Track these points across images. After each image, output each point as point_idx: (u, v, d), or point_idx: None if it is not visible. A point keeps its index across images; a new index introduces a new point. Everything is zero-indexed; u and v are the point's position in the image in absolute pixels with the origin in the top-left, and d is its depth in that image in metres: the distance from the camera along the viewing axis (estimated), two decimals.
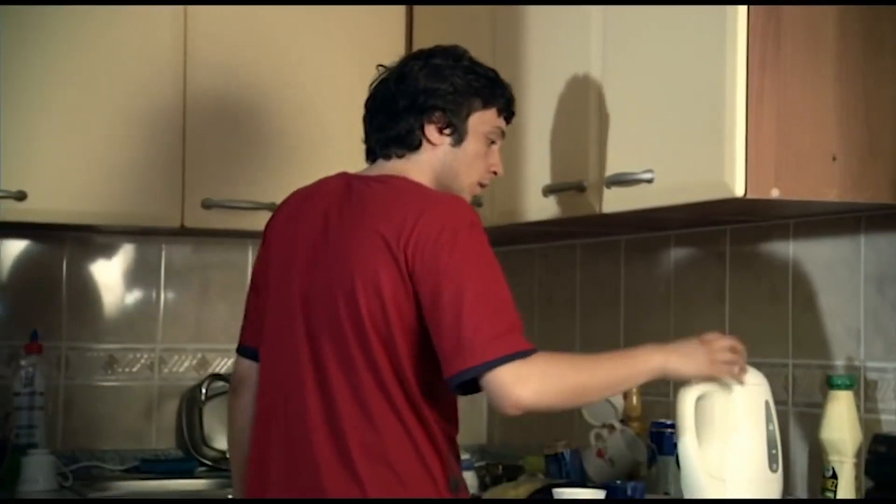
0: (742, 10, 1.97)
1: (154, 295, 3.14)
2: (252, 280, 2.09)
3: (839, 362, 2.26)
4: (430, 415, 1.87)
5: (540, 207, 2.48)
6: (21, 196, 2.72)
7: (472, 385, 1.81)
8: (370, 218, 1.89)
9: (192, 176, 2.87)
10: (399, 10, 3.02)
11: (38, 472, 2.76)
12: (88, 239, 3.09)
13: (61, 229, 3.02)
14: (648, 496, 2.35)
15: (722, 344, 1.96)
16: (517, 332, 1.80)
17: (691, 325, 2.62)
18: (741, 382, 1.98)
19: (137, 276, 3.12)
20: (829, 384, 2.12)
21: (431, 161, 1.98)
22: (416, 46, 2.98)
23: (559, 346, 3.02)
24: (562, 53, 2.43)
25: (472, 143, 1.99)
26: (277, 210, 2.08)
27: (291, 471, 1.90)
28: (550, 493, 2.24)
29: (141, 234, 3.09)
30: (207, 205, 2.87)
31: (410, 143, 1.97)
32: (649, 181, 2.16)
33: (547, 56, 2.48)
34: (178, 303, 3.14)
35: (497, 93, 2.02)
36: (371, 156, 2.02)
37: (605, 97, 2.31)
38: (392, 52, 2.95)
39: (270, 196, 2.89)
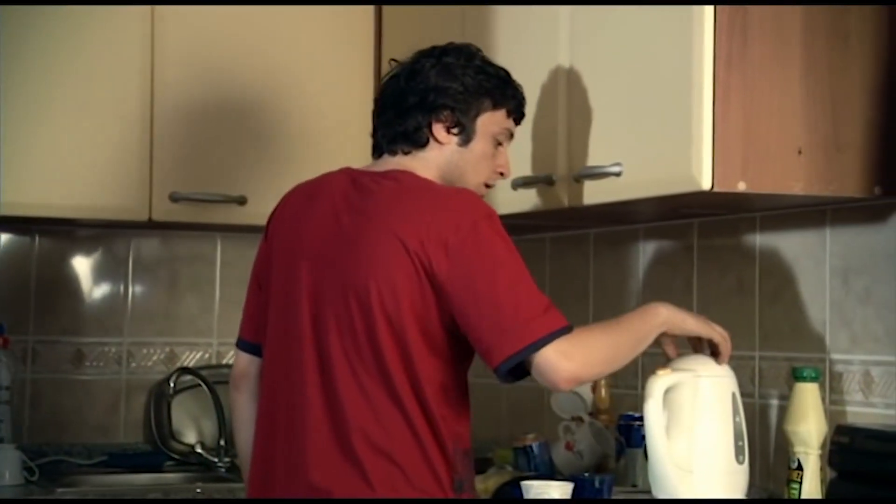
0: (709, 5, 1.98)
1: (122, 288, 3.12)
2: (253, 274, 2.07)
3: (805, 354, 2.28)
4: (438, 415, 1.87)
5: (509, 201, 2.48)
6: None
7: (518, 371, 1.84)
8: (383, 216, 1.88)
9: (160, 169, 2.86)
10: (367, 10, 3.02)
11: (5, 467, 2.74)
12: (56, 232, 3.07)
13: (29, 222, 3.00)
14: (617, 489, 2.36)
15: (723, 334, 2.02)
16: (553, 311, 1.84)
17: None
18: (722, 362, 2.01)
19: (105, 269, 3.11)
20: (795, 376, 2.14)
21: (437, 159, 1.97)
22: (385, 46, 2.99)
23: None
24: (531, 50, 2.43)
25: (479, 144, 1.99)
26: (279, 205, 2.05)
27: (295, 465, 1.89)
28: (519, 486, 2.25)
29: (109, 228, 3.08)
30: (175, 198, 2.86)
31: (417, 140, 1.97)
32: (618, 175, 2.17)
33: (516, 53, 2.48)
34: (146, 296, 3.13)
35: (508, 94, 2.02)
36: (377, 151, 2.02)
37: (573, 93, 2.31)
38: (360, 51, 2.98)
39: (239, 189, 2.89)
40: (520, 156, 2.45)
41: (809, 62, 2.03)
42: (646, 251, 2.69)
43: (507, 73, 2.04)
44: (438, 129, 1.97)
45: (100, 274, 3.11)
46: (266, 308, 1.98)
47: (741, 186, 2.00)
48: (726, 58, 1.98)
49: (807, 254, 2.29)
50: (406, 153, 1.97)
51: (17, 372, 2.96)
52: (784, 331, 2.32)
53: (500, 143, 2.03)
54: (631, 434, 2.42)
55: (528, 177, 2.41)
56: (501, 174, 2.05)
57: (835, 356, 2.23)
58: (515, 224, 2.83)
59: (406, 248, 1.83)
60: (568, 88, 2.32)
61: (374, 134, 2.02)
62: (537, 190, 2.40)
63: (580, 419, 2.54)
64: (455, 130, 1.97)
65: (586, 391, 2.49)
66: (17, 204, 2.77)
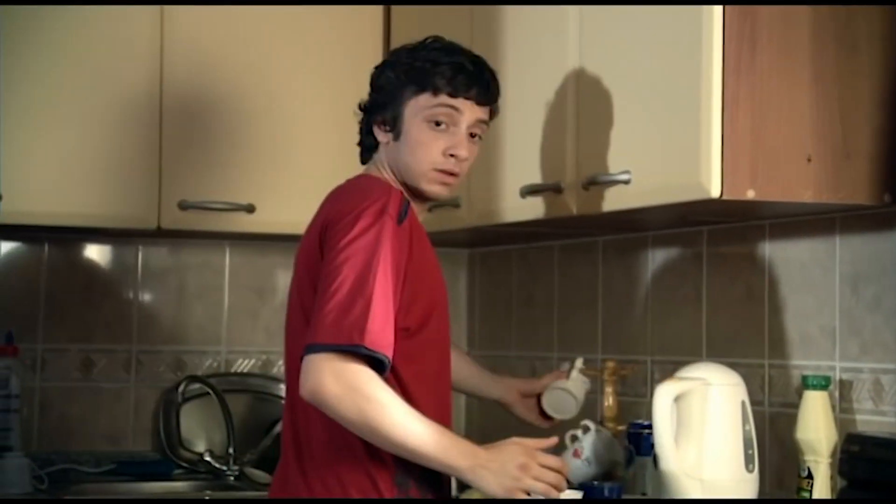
0: (717, 11, 1.98)
1: (131, 296, 3.12)
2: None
3: (814, 362, 2.27)
4: None
5: (517, 208, 2.49)
6: None
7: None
8: (318, 216, 1.97)
9: (169, 177, 2.86)
10: (376, 11, 3.02)
11: (13, 475, 2.74)
12: (65, 240, 3.08)
13: (37, 231, 3.01)
14: (626, 497, 2.36)
15: (544, 462, 1.85)
16: (361, 328, 1.77)
17: (668, 326, 2.63)
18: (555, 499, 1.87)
19: (114, 277, 3.11)
20: (805, 384, 2.13)
21: (385, 159, 2.02)
22: (394, 47, 2.98)
23: (538, 346, 3.04)
24: (539, 54, 2.44)
25: (411, 132, 1.97)
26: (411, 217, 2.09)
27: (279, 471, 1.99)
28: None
29: (117, 236, 3.08)
30: (184, 206, 2.87)
31: (368, 145, 2.04)
32: (626, 182, 2.17)
33: (524, 57, 2.48)
34: (155, 304, 3.13)
35: (431, 73, 1.95)
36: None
37: (582, 100, 2.31)
38: (369, 52, 2.98)
39: (247, 197, 2.89)
40: (528, 163, 2.45)
41: (818, 70, 2.03)
42: (655, 259, 2.69)
43: (441, 53, 1.97)
44: (377, 131, 2.01)
45: (109, 282, 3.11)
46: None
47: (750, 194, 2.00)
48: (735, 65, 1.98)
49: (816, 261, 2.28)
50: (367, 160, 2.05)
51: (26, 380, 2.96)
52: (793, 339, 2.32)
53: (438, 124, 1.96)
54: (640, 442, 2.41)
55: (536, 184, 2.41)
56: (453, 155, 1.96)
57: (844, 364, 2.22)
58: (524, 232, 2.84)
59: (319, 237, 1.90)
60: (577, 95, 2.32)
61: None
62: (545, 197, 2.40)
63: (586, 427, 2.54)
64: (386, 127, 2.00)
65: (580, 390, 2.45)
66: (26, 213, 2.77)
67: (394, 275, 1.84)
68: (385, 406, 1.78)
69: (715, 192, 1.99)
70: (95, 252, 3.11)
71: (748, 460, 2.04)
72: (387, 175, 2.00)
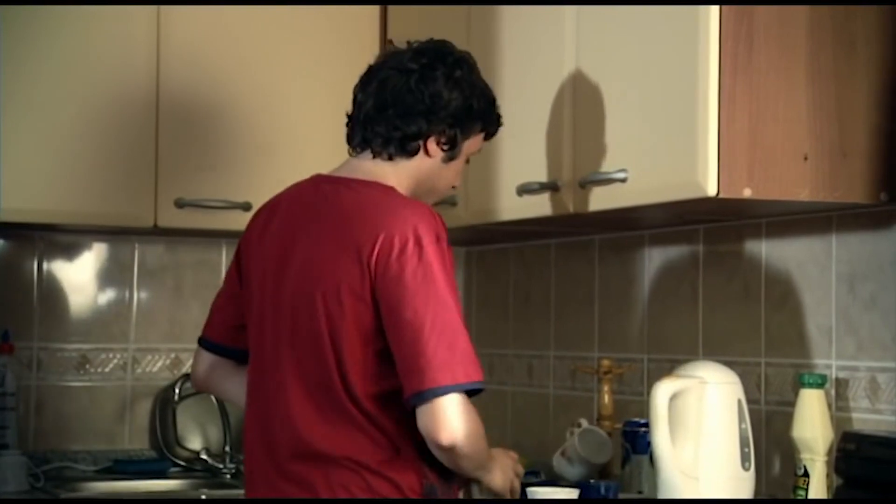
0: (714, 10, 1.98)
1: (127, 295, 3.12)
2: (225, 282, 2.09)
3: (811, 361, 2.27)
4: (389, 425, 1.85)
5: (514, 207, 2.49)
6: None
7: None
8: (339, 229, 1.88)
9: (165, 175, 2.86)
10: (373, 10, 3.02)
11: (9, 474, 2.74)
12: (61, 238, 3.07)
13: (33, 229, 3.00)
14: (622, 495, 2.36)
15: (510, 461, 2.00)
16: (472, 361, 1.82)
17: (665, 325, 2.63)
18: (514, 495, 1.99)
19: (110, 275, 3.11)
20: (801, 383, 2.13)
21: (417, 169, 1.96)
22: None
23: (535, 344, 3.04)
24: (536, 53, 2.44)
25: (459, 162, 2.00)
26: (251, 221, 2.06)
27: (270, 474, 1.92)
28: (525, 493, 2.24)
29: (114, 234, 3.08)
30: (180, 204, 2.86)
31: (409, 149, 1.94)
32: (623, 181, 2.17)
33: (521, 56, 2.48)
34: (151, 302, 3.13)
35: (494, 118, 2.02)
36: (362, 145, 1.97)
37: (579, 97, 2.31)
38: (366, 51, 2.96)
39: (244, 195, 2.89)
40: (525, 162, 2.45)
41: (815, 69, 2.03)
42: (651, 257, 2.69)
43: (492, 92, 2.03)
44: (431, 142, 1.95)
45: (105, 280, 3.11)
46: (244, 320, 2.01)
47: (747, 193, 2.00)
48: (732, 64, 1.98)
49: (812, 260, 2.28)
50: (389, 158, 1.95)
51: (22, 378, 2.96)
52: (790, 337, 2.32)
53: (468, 161, 2.04)
54: (636, 440, 2.42)
55: (533, 183, 2.41)
56: (454, 187, 2.05)
57: (841, 363, 2.22)
58: (520, 230, 2.84)
59: (358, 258, 1.83)
60: (574, 94, 2.32)
61: (364, 126, 1.96)
62: (542, 196, 2.40)
63: (579, 424, 2.54)
64: (446, 147, 1.96)
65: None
66: (23, 210, 2.77)
67: (457, 298, 1.85)
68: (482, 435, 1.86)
69: (711, 190, 1.99)
70: (92, 250, 3.10)
71: (744, 458, 2.05)
72: (403, 184, 1.94)
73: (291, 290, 1.90)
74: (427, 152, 1.95)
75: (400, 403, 1.83)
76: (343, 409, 1.85)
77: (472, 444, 1.82)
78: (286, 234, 1.94)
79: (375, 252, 1.82)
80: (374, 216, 1.86)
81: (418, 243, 1.82)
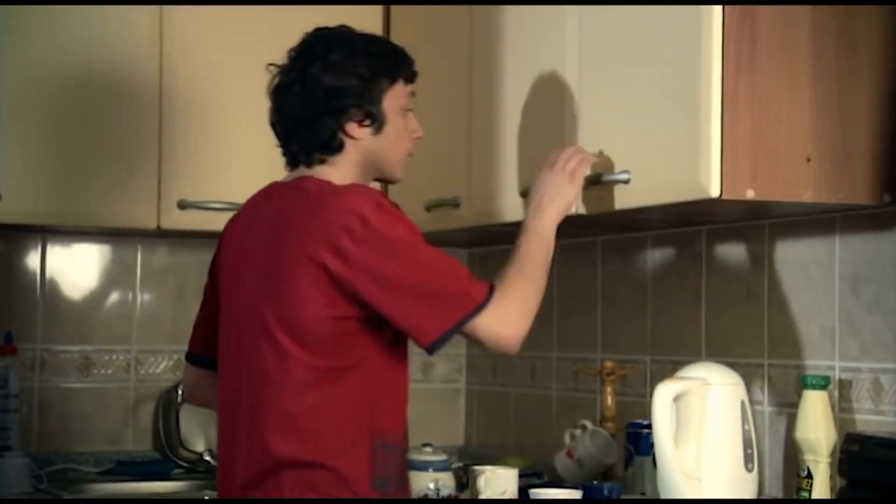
0: (717, 11, 1.98)
1: (130, 296, 3.12)
2: (203, 295, 2.15)
3: (814, 362, 2.27)
4: (348, 418, 1.87)
5: (517, 208, 2.48)
6: None
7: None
8: (284, 228, 1.90)
9: (168, 177, 2.86)
10: (376, 10, 3.02)
11: (13, 475, 2.74)
12: (64, 240, 3.08)
13: (36, 230, 3.00)
14: (625, 497, 2.36)
15: (567, 155, 2.11)
16: (474, 280, 1.89)
17: (668, 326, 2.63)
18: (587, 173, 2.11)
19: (113, 277, 3.11)
20: (804, 384, 2.13)
21: (356, 157, 1.98)
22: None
23: (537, 346, 3.04)
24: (538, 53, 2.43)
25: (392, 123, 1.99)
26: (222, 232, 2.10)
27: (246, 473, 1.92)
28: (527, 494, 2.24)
29: (117, 236, 3.08)
30: (183, 206, 2.87)
31: (334, 146, 1.97)
32: (626, 182, 2.17)
33: (523, 56, 2.48)
34: (154, 304, 3.13)
35: (399, 64, 2.01)
36: (293, 164, 2.02)
37: (581, 99, 2.31)
38: None
39: (247, 197, 2.88)
40: (528, 163, 2.45)
41: (818, 70, 2.03)
42: (654, 259, 2.69)
43: (390, 44, 2.05)
44: (352, 128, 1.96)
45: (108, 282, 3.11)
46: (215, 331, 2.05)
47: (749, 194, 2.00)
48: (735, 65, 1.98)
49: (816, 261, 2.28)
50: (322, 161, 1.98)
51: (25, 380, 2.96)
52: (793, 338, 2.32)
53: (409, 110, 2.03)
54: (639, 442, 2.41)
55: None
56: (418, 137, 2.05)
57: (844, 364, 2.22)
58: None
59: (306, 256, 1.85)
60: (576, 94, 2.32)
61: (286, 148, 2.01)
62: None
63: (584, 426, 2.54)
64: (367, 122, 1.97)
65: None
66: (26, 212, 2.77)
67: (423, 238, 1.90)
68: (527, 292, 1.94)
69: (714, 191, 1.99)
70: (95, 252, 3.11)
71: (748, 460, 2.05)
72: (351, 175, 1.96)
73: (243, 302, 1.94)
74: (353, 138, 1.97)
75: (367, 390, 1.86)
76: (293, 401, 1.86)
77: (529, 321, 1.92)
78: (241, 244, 1.99)
79: (320, 242, 1.84)
80: (311, 211, 1.89)
81: (361, 221, 1.84)
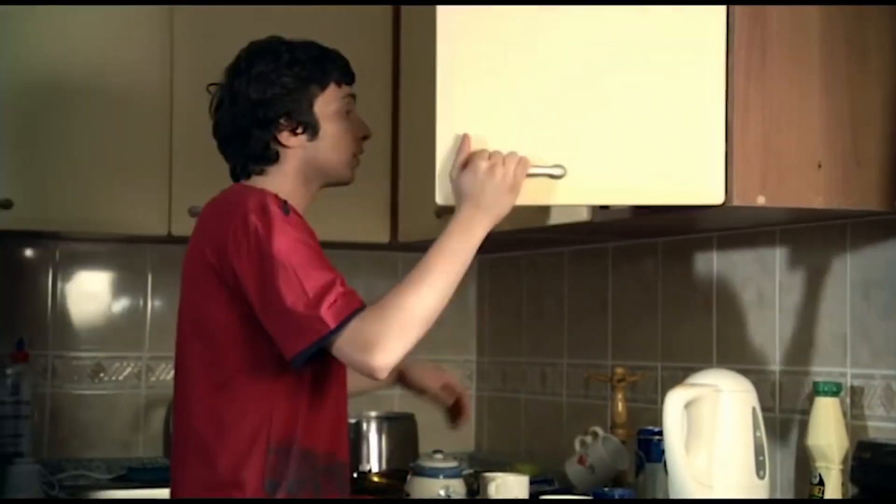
0: (727, 17, 1.97)
1: (141, 303, 3.13)
2: None
3: (825, 369, 2.26)
4: (247, 424, 1.89)
5: (529, 217, 2.48)
6: (7, 204, 2.71)
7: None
8: (197, 237, 1.96)
9: (179, 184, 2.86)
10: (386, 11, 3.01)
11: (24, 482, 2.74)
12: (75, 247, 3.08)
13: (48, 237, 3.01)
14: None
15: (501, 159, 1.85)
16: (338, 295, 1.79)
17: (678, 333, 2.63)
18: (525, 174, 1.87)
19: (124, 284, 3.12)
20: (816, 391, 2.13)
21: (294, 165, 1.98)
22: (403, 47, 2.98)
23: (548, 352, 3.03)
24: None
25: (329, 128, 1.99)
26: None
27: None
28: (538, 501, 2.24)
29: (128, 242, 3.08)
30: (194, 212, 2.85)
31: (269, 157, 1.98)
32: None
33: None
34: (165, 311, 3.14)
35: (328, 68, 1.99)
36: (234, 178, 2.04)
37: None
38: (379, 53, 2.97)
39: None
40: None
41: (829, 76, 2.03)
42: (664, 265, 2.68)
43: (318, 48, 2.01)
44: (285, 137, 1.97)
45: (119, 289, 3.12)
46: None
47: (760, 200, 1.99)
48: (745, 72, 1.98)
49: (827, 268, 2.28)
50: (260, 173, 1.99)
51: (36, 386, 2.97)
52: (804, 345, 2.31)
53: (348, 112, 2.02)
54: (650, 449, 2.41)
55: None
56: (365, 137, 2.03)
57: (856, 371, 2.21)
58: (534, 238, 2.84)
59: (205, 261, 1.90)
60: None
61: (229, 163, 2.04)
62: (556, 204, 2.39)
63: (595, 433, 2.53)
64: (299, 130, 1.97)
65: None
66: (37, 219, 2.78)
67: (305, 248, 1.84)
68: (406, 311, 1.78)
69: (725, 198, 1.98)
70: (106, 259, 3.11)
71: (759, 467, 2.04)
72: (288, 182, 1.97)
73: (180, 315, 2.00)
74: (288, 146, 1.98)
75: (268, 395, 1.88)
76: (196, 403, 1.93)
77: (402, 343, 1.77)
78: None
79: (216, 254, 1.88)
80: (207, 216, 1.96)
81: (242, 224, 1.85)
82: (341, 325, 1.78)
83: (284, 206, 1.89)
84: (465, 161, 1.86)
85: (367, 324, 1.78)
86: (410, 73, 2.93)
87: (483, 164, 1.84)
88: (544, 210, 2.43)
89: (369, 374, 1.79)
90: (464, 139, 1.87)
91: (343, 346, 1.78)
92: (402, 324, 1.78)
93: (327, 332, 1.78)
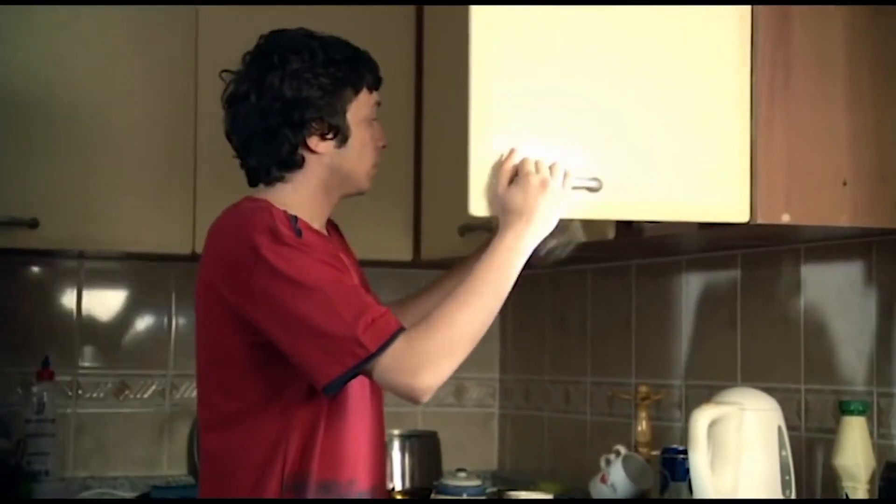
0: (751, 36, 1.97)
1: (165, 321, 3.14)
2: None
3: (852, 387, 2.25)
4: (257, 454, 1.83)
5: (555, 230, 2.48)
6: (34, 223, 2.73)
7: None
8: (206, 265, 1.88)
9: (204, 202, 2.87)
10: (409, 11, 2.98)
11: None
12: (100, 266, 3.10)
13: (73, 256, 3.03)
14: None
15: (547, 167, 1.80)
16: (375, 319, 1.71)
17: (702, 351, 2.62)
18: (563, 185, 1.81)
19: (149, 302, 3.13)
20: (842, 410, 2.11)
21: (318, 172, 1.88)
22: (426, 47, 2.91)
23: (571, 370, 3.02)
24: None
25: (357, 135, 1.89)
26: None
27: None
28: None
29: (152, 261, 3.10)
30: None
31: (294, 162, 1.87)
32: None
33: None
34: (189, 329, 3.14)
35: (363, 72, 1.89)
36: (254, 182, 1.94)
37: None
38: (403, 53, 2.94)
39: None
40: None
41: (853, 94, 2.02)
42: (689, 283, 2.68)
43: (352, 48, 1.90)
44: (314, 142, 1.86)
45: (143, 307, 3.13)
46: None
47: (785, 218, 1.99)
48: (769, 90, 1.97)
49: (852, 286, 2.27)
50: (281, 179, 1.89)
51: (61, 405, 2.98)
52: (830, 363, 2.30)
53: (374, 120, 1.92)
54: (675, 467, 2.40)
55: None
56: (383, 146, 1.94)
57: (882, 389, 2.20)
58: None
59: (213, 289, 1.82)
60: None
61: (245, 164, 1.93)
62: (581, 222, 2.39)
63: (618, 452, 2.52)
64: (330, 136, 1.86)
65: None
66: (62, 238, 2.79)
67: (328, 268, 1.75)
68: (447, 334, 1.70)
69: (749, 216, 1.98)
70: (131, 277, 3.13)
71: (785, 486, 2.03)
72: (309, 191, 1.87)
73: (196, 344, 1.94)
74: (315, 152, 1.88)
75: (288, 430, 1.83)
76: (217, 439, 1.89)
77: (445, 367, 1.70)
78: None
79: (228, 285, 1.80)
80: (211, 241, 1.87)
81: (253, 251, 1.76)
82: (382, 347, 1.70)
83: (295, 224, 1.80)
84: (512, 174, 1.79)
85: (415, 344, 1.70)
86: (434, 79, 2.84)
87: (535, 180, 1.77)
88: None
89: (412, 397, 1.71)
90: (510, 152, 1.79)
91: (386, 369, 1.70)
92: (452, 342, 1.71)
93: (367, 356, 1.70)
